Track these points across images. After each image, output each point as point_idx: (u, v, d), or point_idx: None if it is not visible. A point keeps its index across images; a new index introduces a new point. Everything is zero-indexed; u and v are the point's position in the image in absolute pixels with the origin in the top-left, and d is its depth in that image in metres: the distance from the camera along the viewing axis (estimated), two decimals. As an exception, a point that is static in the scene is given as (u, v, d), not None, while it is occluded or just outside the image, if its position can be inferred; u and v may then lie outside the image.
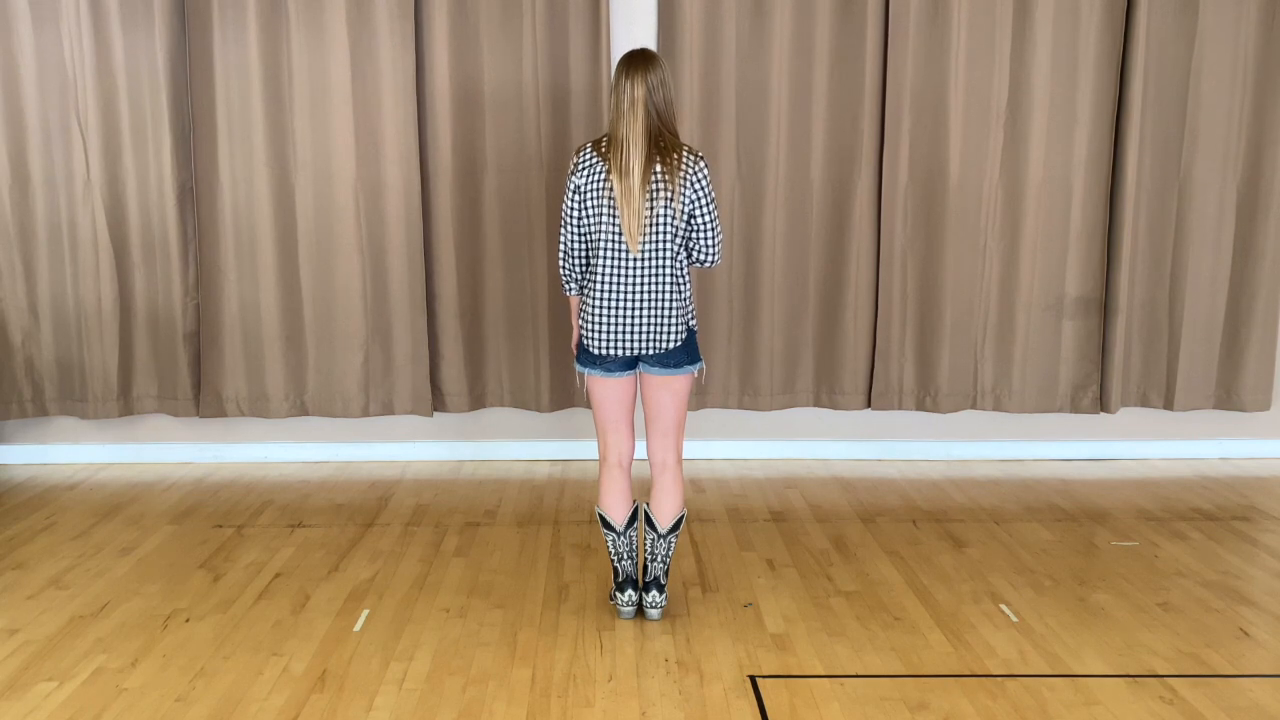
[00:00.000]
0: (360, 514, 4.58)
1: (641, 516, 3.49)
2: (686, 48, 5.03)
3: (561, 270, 3.43)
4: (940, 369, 5.26)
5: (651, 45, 5.09)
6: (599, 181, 3.28)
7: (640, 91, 3.24)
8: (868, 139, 5.10)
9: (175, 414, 5.27)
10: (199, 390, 5.25)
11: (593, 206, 3.29)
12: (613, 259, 3.29)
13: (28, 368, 5.19)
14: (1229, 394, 5.35)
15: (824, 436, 5.44)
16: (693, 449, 5.41)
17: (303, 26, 4.97)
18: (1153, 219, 5.21)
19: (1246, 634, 3.40)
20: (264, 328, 5.18)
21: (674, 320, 3.32)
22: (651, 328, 3.32)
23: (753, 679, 3.09)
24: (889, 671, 3.14)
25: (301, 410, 5.26)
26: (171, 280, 5.14)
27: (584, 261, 3.38)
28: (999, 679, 3.09)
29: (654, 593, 3.45)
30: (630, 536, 3.46)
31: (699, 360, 3.42)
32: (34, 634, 3.40)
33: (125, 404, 5.23)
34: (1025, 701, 2.96)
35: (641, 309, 3.30)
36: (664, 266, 3.29)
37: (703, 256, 3.35)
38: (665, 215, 3.26)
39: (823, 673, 3.13)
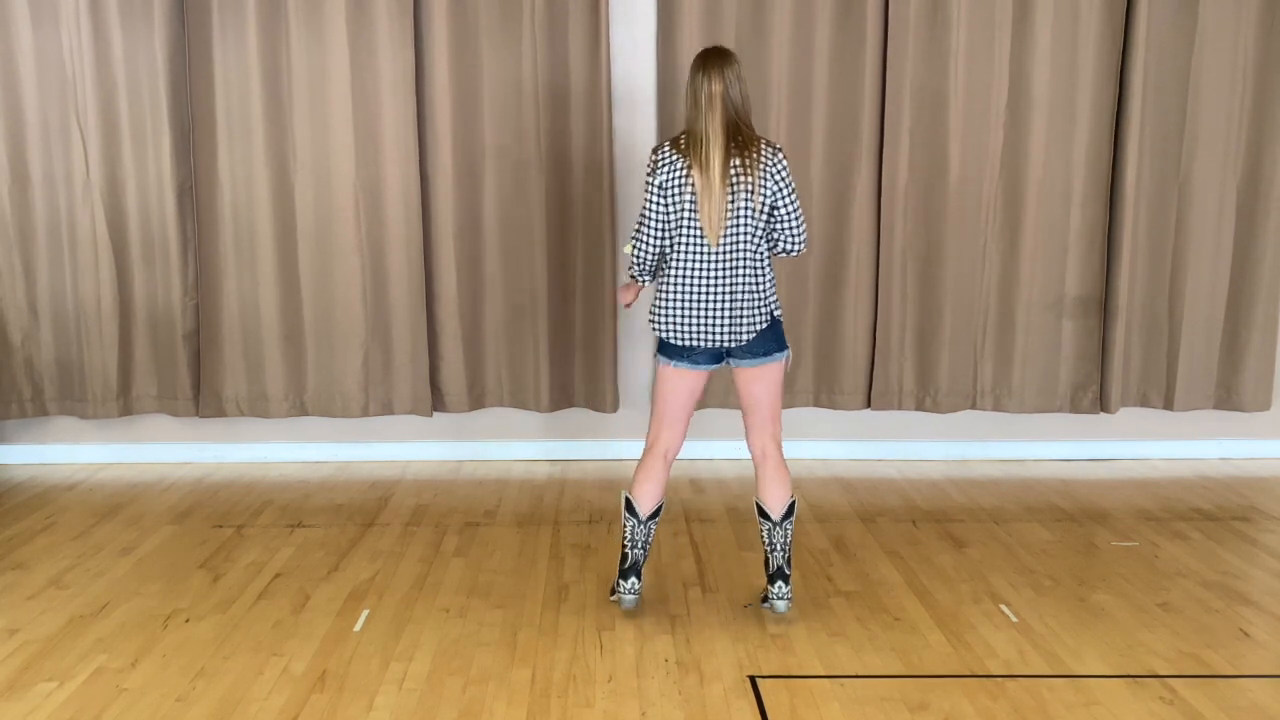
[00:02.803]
0: (360, 514, 4.58)
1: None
2: (686, 47, 5.02)
3: (636, 264, 3.45)
4: (940, 369, 5.26)
5: (650, 45, 5.10)
6: (681, 177, 3.32)
7: (718, 87, 3.28)
8: (868, 139, 5.10)
9: (175, 414, 5.27)
10: (199, 390, 5.25)
11: (675, 202, 3.33)
12: (694, 253, 3.34)
13: (27, 368, 5.19)
14: (1229, 394, 5.35)
15: (824, 436, 5.44)
16: (693, 449, 5.39)
17: (302, 26, 4.97)
18: (1152, 219, 5.21)
19: (1246, 634, 3.40)
20: (264, 328, 5.17)
21: (755, 310, 3.37)
22: (734, 319, 3.36)
23: (753, 679, 3.09)
24: (889, 671, 3.14)
25: (301, 410, 5.26)
26: (171, 280, 5.14)
27: (660, 256, 3.42)
28: (999, 679, 3.09)
29: (779, 584, 3.45)
30: (649, 528, 3.47)
31: (786, 347, 3.46)
32: (34, 634, 3.39)
33: (125, 404, 5.23)
34: (1025, 702, 2.96)
35: (723, 301, 3.35)
36: (744, 258, 3.33)
37: (788, 246, 3.40)
38: (746, 208, 3.31)
39: (823, 673, 3.13)
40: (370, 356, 5.21)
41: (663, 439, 3.50)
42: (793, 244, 3.41)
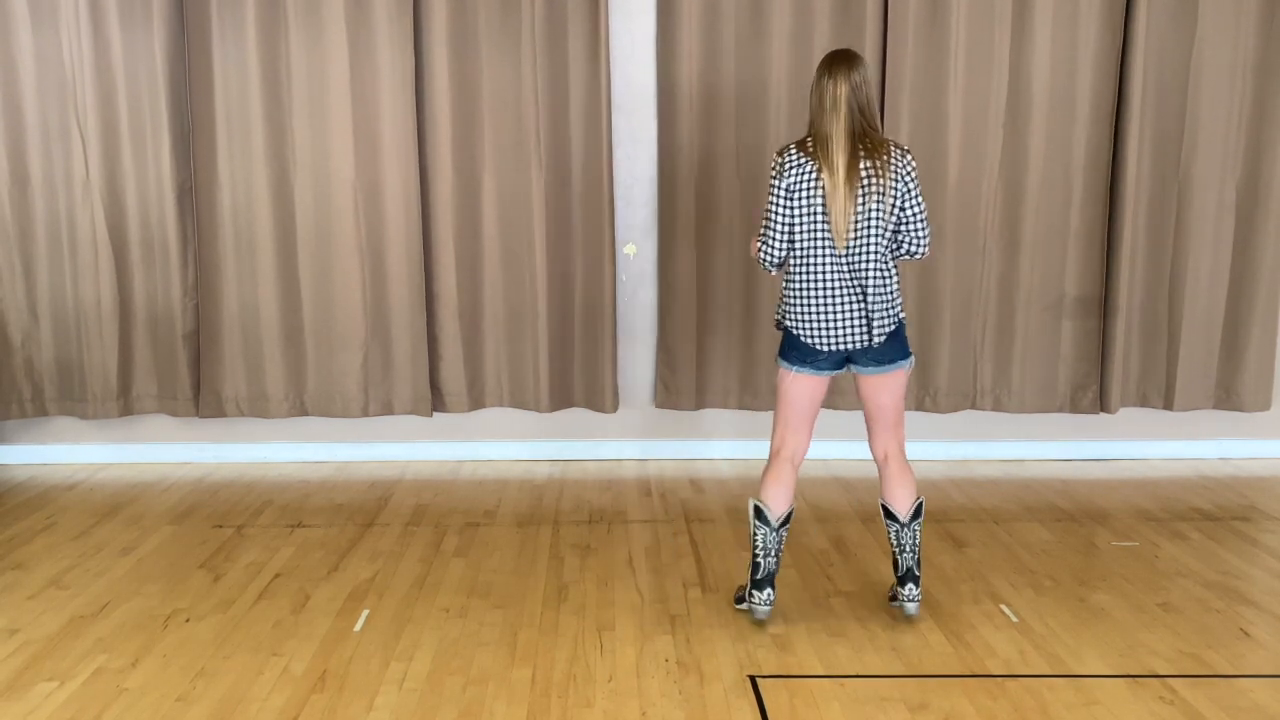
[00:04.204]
0: (360, 514, 4.58)
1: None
2: (686, 47, 5.03)
3: (762, 265, 3.44)
4: (940, 369, 5.26)
5: (650, 45, 5.10)
6: (809, 180, 3.30)
7: (843, 90, 3.28)
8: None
9: (175, 414, 5.27)
10: (199, 390, 5.25)
11: (802, 204, 3.32)
12: (821, 255, 3.33)
13: (27, 368, 5.19)
14: (1229, 394, 5.35)
15: (824, 436, 5.41)
16: (693, 449, 5.42)
17: (301, 27, 4.97)
18: (1152, 219, 5.21)
19: (1247, 634, 3.40)
20: (263, 328, 5.17)
21: (883, 313, 3.36)
22: (864, 321, 3.35)
23: (753, 679, 3.09)
24: (889, 671, 3.14)
25: (301, 410, 5.26)
26: (171, 280, 5.14)
27: (786, 257, 3.42)
28: (999, 679, 3.09)
29: (910, 585, 3.45)
30: (781, 535, 3.43)
31: (909, 354, 3.45)
32: (34, 634, 3.40)
33: (125, 404, 5.23)
34: (1025, 702, 2.96)
35: (854, 303, 3.34)
36: (871, 261, 3.32)
37: (913, 248, 3.39)
38: (876, 211, 3.30)
39: (823, 673, 3.13)
40: (370, 356, 5.21)
41: (789, 444, 3.48)
42: (918, 246, 3.38)
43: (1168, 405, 5.33)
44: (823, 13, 5.01)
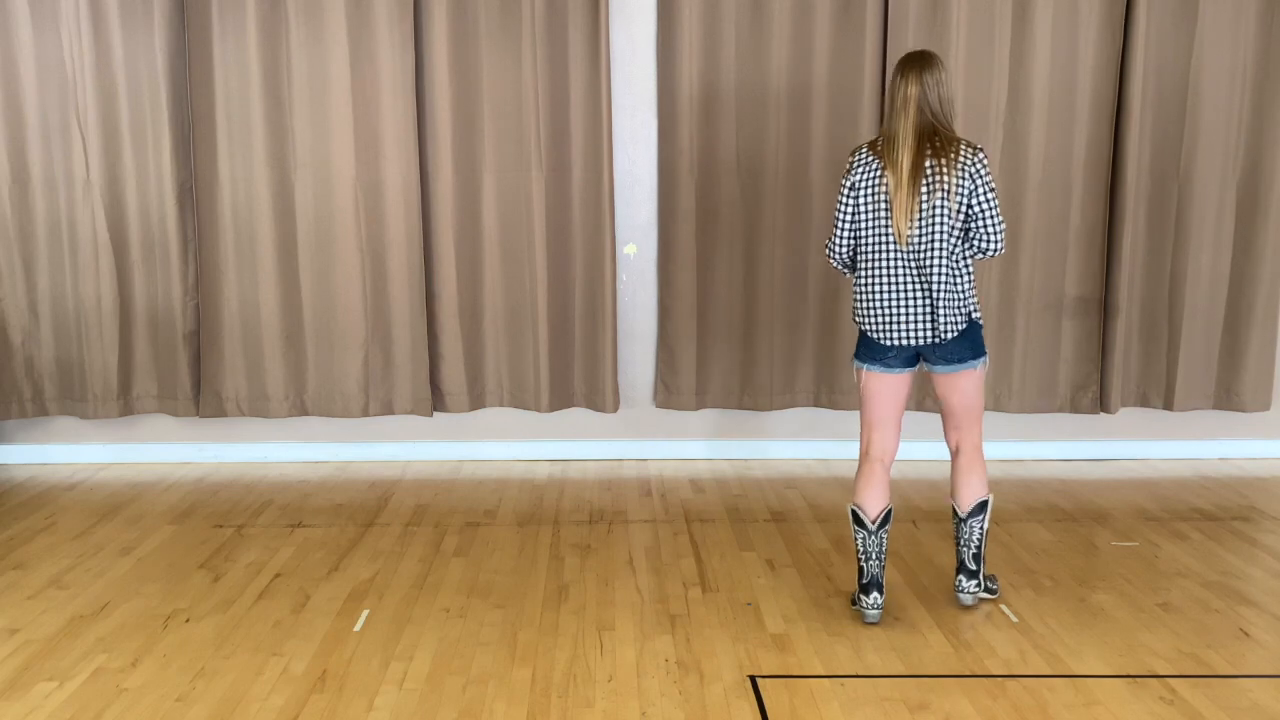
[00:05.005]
0: (360, 514, 4.58)
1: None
2: (686, 48, 5.03)
3: (831, 261, 3.53)
4: (940, 369, 5.25)
5: (650, 45, 5.10)
6: (874, 178, 3.36)
7: (913, 90, 3.31)
8: (867, 139, 5.09)
9: (175, 414, 5.27)
10: (199, 390, 5.25)
11: (866, 203, 3.37)
12: (886, 252, 3.36)
13: (28, 368, 5.19)
14: (1229, 394, 5.35)
15: (823, 436, 5.44)
16: (693, 449, 5.42)
17: (302, 26, 4.97)
18: (1152, 218, 5.21)
19: (1246, 634, 3.40)
20: (264, 328, 5.18)
21: (949, 311, 3.36)
22: (927, 318, 3.36)
23: (753, 679, 3.09)
24: (889, 671, 3.14)
25: (301, 410, 5.26)
26: (171, 280, 5.14)
27: (852, 255, 3.48)
28: (999, 679, 3.09)
29: (961, 578, 3.50)
30: (881, 537, 3.42)
31: (982, 354, 3.45)
32: (34, 634, 3.40)
33: (125, 404, 5.23)
34: (1025, 701, 2.96)
35: (919, 300, 3.36)
36: (938, 258, 3.33)
37: (985, 245, 3.37)
38: (941, 209, 3.31)
39: (823, 673, 3.13)
40: (370, 356, 5.21)
41: (875, 443, 3.49)
42: (989, 244, 3.36)
43: (1168, 405, 5.33)
44: (823, 13, 5.01)
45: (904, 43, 5.00)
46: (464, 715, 2.89)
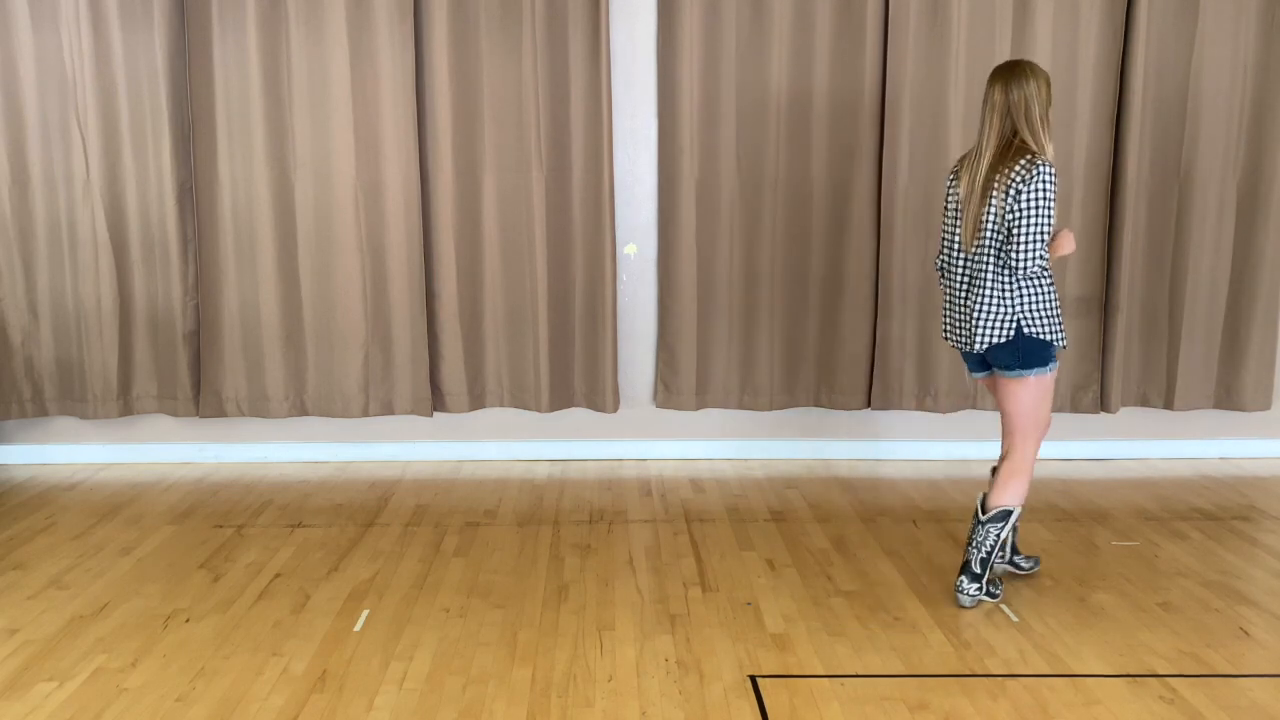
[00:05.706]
0: (360, 514, 4.59)
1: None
2: (686, 48, 5.02)
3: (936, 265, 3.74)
4: (940, 369, 5.25)
5: (650, 45, 5.10)
6: (953, 186, 3.59)
7: (999, 99, 3.40)
8: (868, 139, 5.10)
9: (175, 414, 5.27)
10: (199, 390, 5.25)
11: (950, 209, 3.60)
12: (955, 259, 3.58)
13: (27, 368, 5.19)
14: (1229, 394, 5.35)
15: (824, 436, 5.44)
16: (693, 449, 5.42)
17: (302, 26, 4.97)
18: (1153, 218, 5.21)
19: (1246, 634, 3.40)
20: (264, 328, 5.18)
21: (992, 320, 3.44)
22: (967, 324, 3.52)
23: (753, 679, 3.09)
24: (889, 671, 3.14)
25: (301, 410, 5.26)
26: (171, 280, 5.14)
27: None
28: (999, 679, 3.09)
29: (964, 579, 3.56)
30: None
31: (1034, 366, 3.46)
32: (34, 634, 3.40)
33: (125, 404, 5.23)
34: (1025, 701, 2.96)
35: (963, 306, 3.54)
36: (986, 267, 3.44)
37: (1011, 261, 3.39)
38: (994, 218, 3.40)
39: (823, 673, 3.13)
40: (370, 356, 5.21)
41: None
42: (1015, 262, 3.35)
43: (1168, 405, 5.33)
44: (824, 13, 5.01)
45: (904, 43, 5.00)
46: (464, 715, 2.89)
